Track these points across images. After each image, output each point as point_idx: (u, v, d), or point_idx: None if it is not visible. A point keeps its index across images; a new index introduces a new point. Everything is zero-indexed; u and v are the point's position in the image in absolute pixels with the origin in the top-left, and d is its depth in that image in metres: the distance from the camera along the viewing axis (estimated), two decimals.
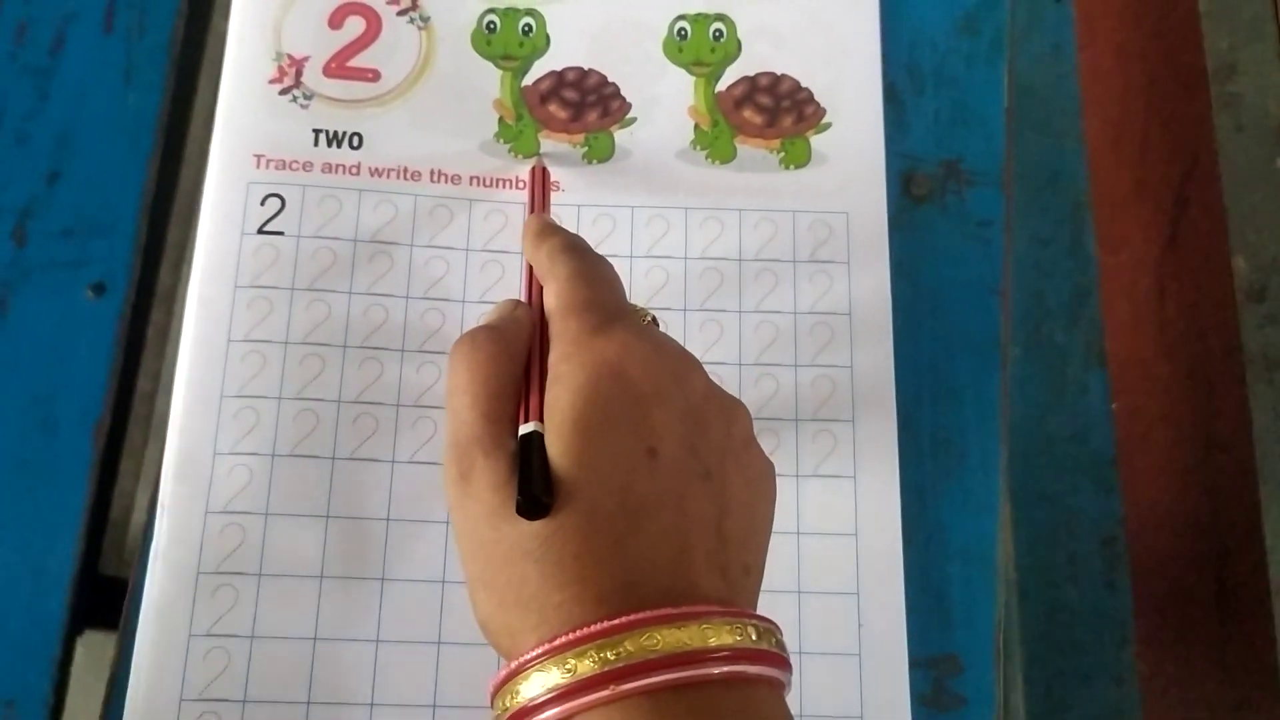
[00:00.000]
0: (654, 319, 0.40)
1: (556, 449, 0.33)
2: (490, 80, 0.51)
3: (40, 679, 0.48)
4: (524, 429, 0.34)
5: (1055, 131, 0.88)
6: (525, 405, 0.35)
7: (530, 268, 0.41)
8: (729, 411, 0.36)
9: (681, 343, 0.47)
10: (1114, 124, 0.73)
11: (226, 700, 0.43)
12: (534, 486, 0.33)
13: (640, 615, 0.31)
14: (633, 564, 0.32)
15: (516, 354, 0.37)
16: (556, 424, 0.34)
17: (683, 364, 0.36)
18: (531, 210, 0.47)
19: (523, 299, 0.40)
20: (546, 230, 0.41)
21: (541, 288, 0.39)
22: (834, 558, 0.46)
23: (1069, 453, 0.93)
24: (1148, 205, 0.69)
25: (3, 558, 0.48)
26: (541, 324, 0.38)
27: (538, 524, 0.33)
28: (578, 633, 0.31)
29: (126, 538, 1.14)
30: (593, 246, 0.48)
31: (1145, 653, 0.78)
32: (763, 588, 0.45)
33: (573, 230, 0.49)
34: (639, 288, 0.49)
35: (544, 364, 0.36)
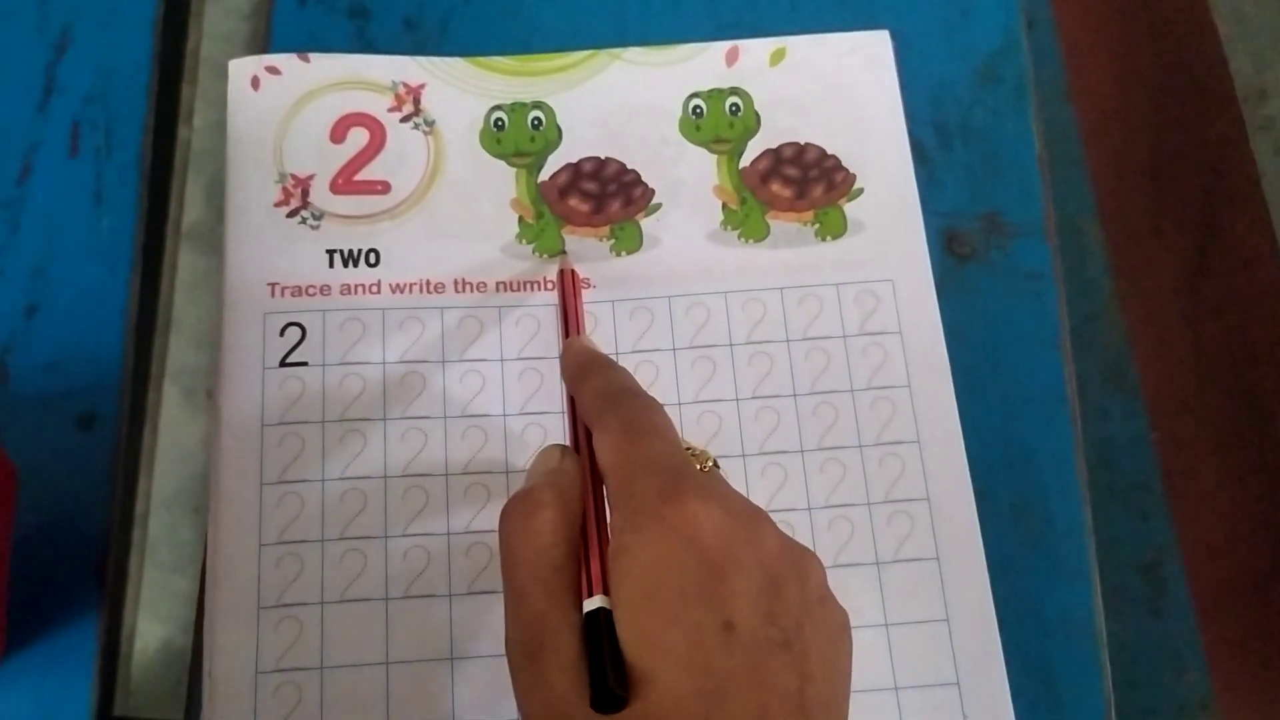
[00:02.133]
0: (714, 463, 0.37)
1: (627, 629, 0.31)
2: (505, 180, 0.49)
3: None
4: (589, 604, 0.32)
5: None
6: (586, 574, 0.33)
7: (573, 403, 0.39)
8: (803, 566, 0.34)
9: (739, 438, 0.46)
10: (1117, 152, 0.72)
11: None
12: (608, 679, 0.30)
13: None
14: None
15: (573, 516, 0.34)
16: (626, 600, 0.31)
17: (753, 522, 0.34)
18: (564, 321, 0.44)
19: (567, 441, 0.38)
20: (588, 366, 0.39)
21: (588, 431, 0.36)
22: (928, 647, 0.43)
23: (1097, 480, 0.91)
24: (1168, 232, 0.68)
25: (15, 710, 0.45)
26: (594, 477, 0.35)
27: (614, 717, 0.30)
28: None
29: (131, 673, 1.10)
30: (632, 342, 0.46)
31: (1220, 689, 0.76)
32: (861, 687, 0.42)
33: (610, 327, 0.47)
34: (685, 380, 0.46)
35: (602, 525, 0.34)
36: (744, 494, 0.44)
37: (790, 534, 0.44)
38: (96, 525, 0.48)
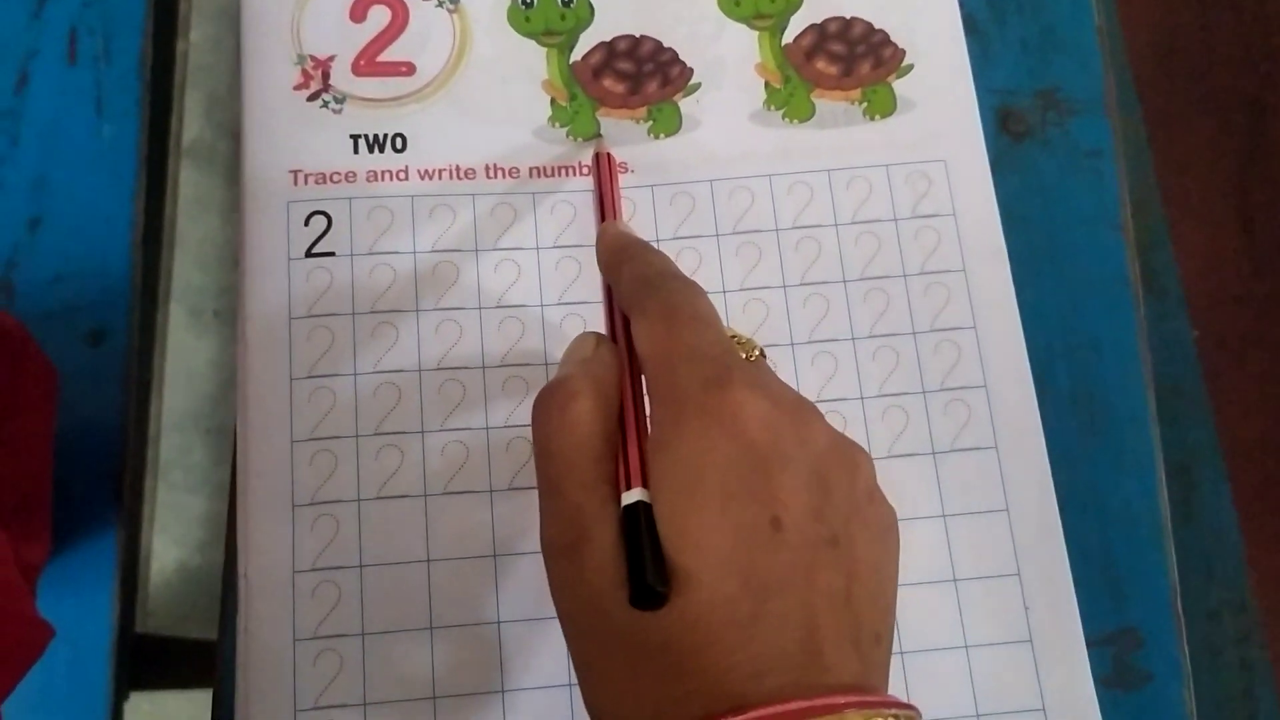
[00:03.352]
0: (761, 352, 0.35)
1: (670, 524, 0.29)
2: (535, 60, 0.46)
3: None
4: (628, 498, 0.30)
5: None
6: (624, 466, 0.31)
7: (609, 291, 0.36)
8: (852, 462, 0.32)
9: (787, 327, 0.44)
10: (1159, 27, 0.68)
11: None
12: (647, 575, 0.29)
13: (770, 710, 0.27)
14: (760, 652, 0.28)
15: (610, 406, 0.32)
16: (667, 494, 0.30)
17: (801, 415, 0.32)
18: (600, 207, 0.42)
19: (604, 330, 0.36)
20: (625, 251, 0.37)
21: (625, 319, 0.34)
22: (987, 538, 0.42)
23: None
24: (1216, 117, 0.65)
25: None
26: (633, 366, 0.33)
27: (654, 613, 0.29)
28: None
29: (150, 592, 1.10)
30: (673, 229, 0.44)
31: (1261, 587, 0.75)
32: (919, 579, 0.41)
33: (650, 214, 0.44)
34: (730, 267, 0.44)
35: (640, 416, 0.32)
36: (793, 385, 0.42)
37: (842, 425, 0.42)
38: (112, 442, 0.46)
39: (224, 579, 0.41)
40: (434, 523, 0.41)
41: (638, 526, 0.30)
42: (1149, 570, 0.42)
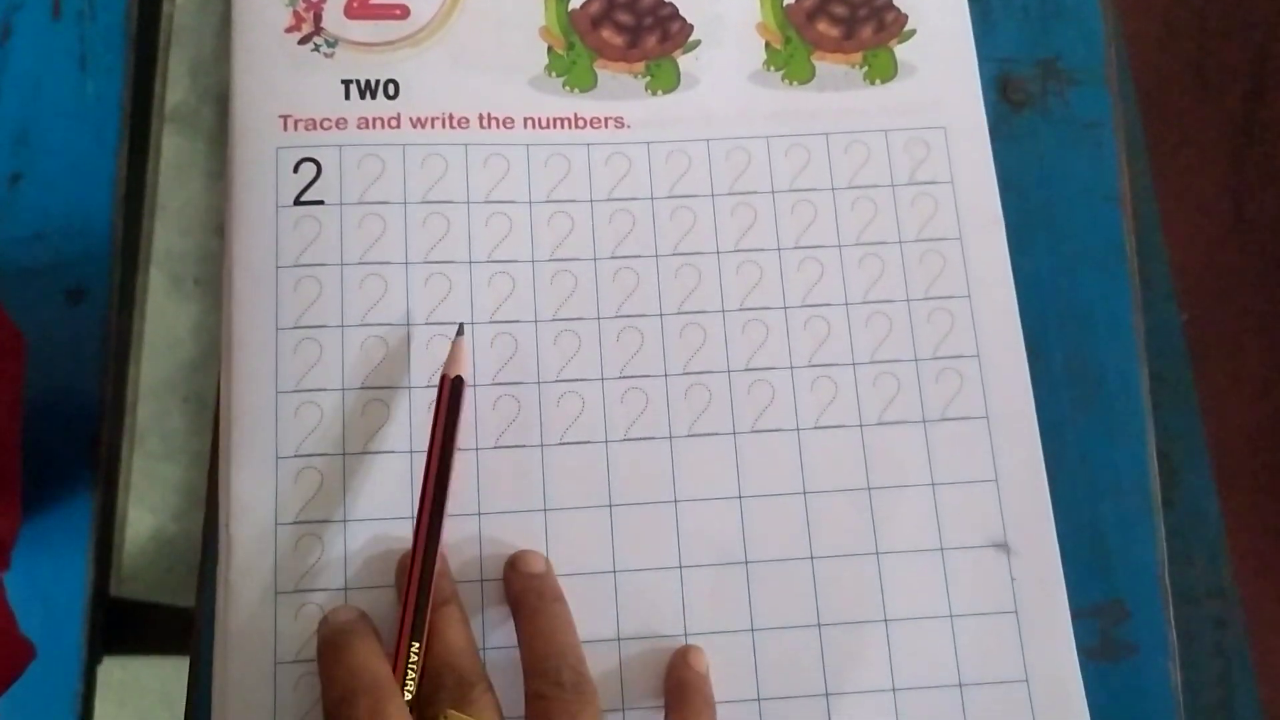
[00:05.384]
0: None
1: None
2: (533, 6, 0.45)
3: (64, 715, 0.43)
4: None
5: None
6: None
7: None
8: None
9: (780, 290, 0.43)
10: (1160, 14, 0.68)
11: None
12: None
13: None
14: None
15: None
16: None
17: None
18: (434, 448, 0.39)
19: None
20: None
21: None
22: (976, 508, 0.41)
23: None
24: (1211, 94, 0.65)
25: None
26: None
27: None
28: None
29: (124, 556, 1.08)
30: (668, 187, 0.44)
31: (1245, 575, 0.75)
32: (905, 548, 0.41)
33: (645, 171, 0.44)
34: (725, 227, 0.43)
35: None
36: (785, 351, 0.42)
37: (833, 392, 0.42)
38: (89, 405, 0.45)
39: (203, 541, 0.41)
40: (418, 479, 0.40)
41: None
42: (1137, 542, 0.42)
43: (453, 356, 0.40)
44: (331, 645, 0.36)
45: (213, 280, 1.10)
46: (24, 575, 0.44)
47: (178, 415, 1.10)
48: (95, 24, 0.48)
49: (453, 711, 0.33)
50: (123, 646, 0.84)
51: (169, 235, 1.14)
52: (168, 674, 1.05)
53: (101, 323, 0.46)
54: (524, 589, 0.38)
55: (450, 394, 0.39)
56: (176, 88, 1.16)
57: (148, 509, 1.09)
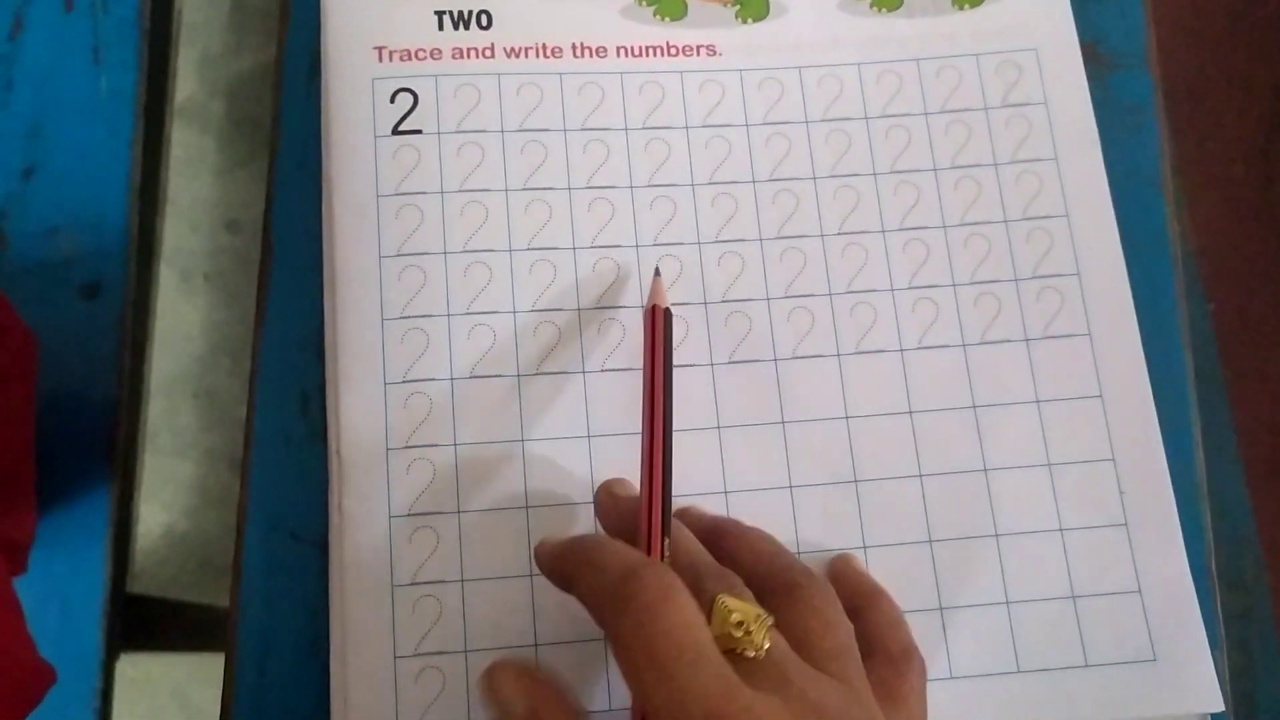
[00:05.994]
0: (769, 630, 0.32)
1: None
2: None
3: (83, 713, 0.43)
4: None
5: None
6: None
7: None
8: None
9: (877, 214, 0.43)
10: (1191, 5, 0.68)
11: None
12: None
13: None
14: None
15: None
16: None
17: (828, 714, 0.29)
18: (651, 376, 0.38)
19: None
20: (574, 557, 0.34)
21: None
22: (1082, 423, 0.41)
23: None
24: (1240, 82, 0.64)
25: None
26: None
27: None
28: None
29: (136, 556, 1.07)
30: (762, 114, 0.43)
31: (1271, 561, 0.75)
32: (1013, 464, 0.41)
33: (739, 99, 0.44)
34: (820, 154, 0.43)
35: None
36: (884, 273, 0.42)
37: (934, 313, 0.42)
38: (104, 401, 0.45)
39: (237, 536, 0.40)
40: (527, 402, 0.40)
41: None
42: (1184, 532, 0.41)
43: (656, 289, 0.40)
44: (579, 542, 0.34)
45: (223, 275, 1.10)
46: (41, 573, 0.44)
47: (188, 411, 1.09)
48: (108, 17, 0.48)
49: (725, 595, 0.32)
50: (136, 643, 0.84)
51: (179, 230, 1.14)
52: (179, 670, 1.05)
53: (116, 318, 0.45)
54: (718, 518, 0.38)
55: (665, 324, 0.38)
56: (185, 83, 1.16)
57: (159, 506, 1.08)
